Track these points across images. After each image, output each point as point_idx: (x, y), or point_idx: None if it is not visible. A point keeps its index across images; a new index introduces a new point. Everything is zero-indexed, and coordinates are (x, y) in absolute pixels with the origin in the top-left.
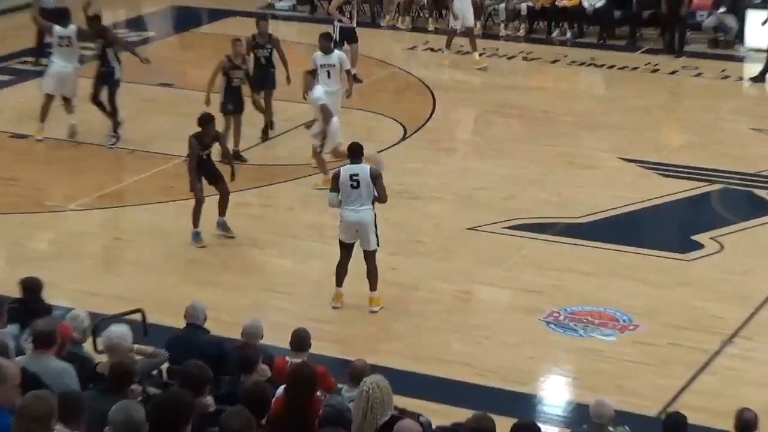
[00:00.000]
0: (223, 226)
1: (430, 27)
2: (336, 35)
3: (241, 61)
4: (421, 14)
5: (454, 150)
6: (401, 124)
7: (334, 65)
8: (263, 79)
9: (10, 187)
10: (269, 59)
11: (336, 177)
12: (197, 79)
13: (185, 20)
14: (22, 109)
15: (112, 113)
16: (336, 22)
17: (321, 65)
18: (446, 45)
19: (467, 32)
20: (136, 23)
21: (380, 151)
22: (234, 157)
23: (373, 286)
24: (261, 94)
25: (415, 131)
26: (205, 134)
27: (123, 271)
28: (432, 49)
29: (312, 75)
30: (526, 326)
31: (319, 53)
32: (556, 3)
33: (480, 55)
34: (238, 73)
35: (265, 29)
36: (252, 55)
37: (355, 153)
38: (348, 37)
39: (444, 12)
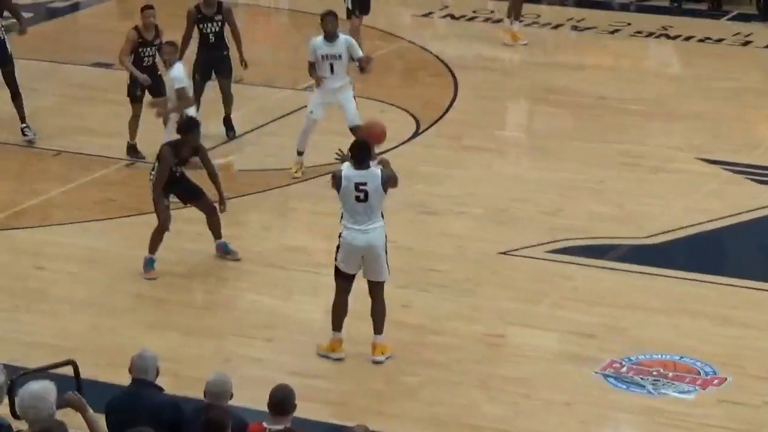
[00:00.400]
0: (224, 248)
1: None
2: (348, 2)
3: (154, 36)
4: None
5: (482, 149)
6: (413, 116)
7: (339, 56)
8: (213, 63)
9: None
10: (220, 36)
11: (337, 179)
12: None
13: None
14: None
15: (17, 96)
16: None
17: (323, 56)
18: (508, 14)
19: None
20: None
21: (383, 153)
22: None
23: (378, 328)
24: (207, 84)
25: (432, 125)
26: (184, 145)
27: (48, 311)
28: (452, 16)
29: (312, 68)
30: (578, 380)
31: (319, 39)
32: None
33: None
34: (150, 51)
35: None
36: (197, 31)
37: (361, 154)
38: (361, 5)
39: None
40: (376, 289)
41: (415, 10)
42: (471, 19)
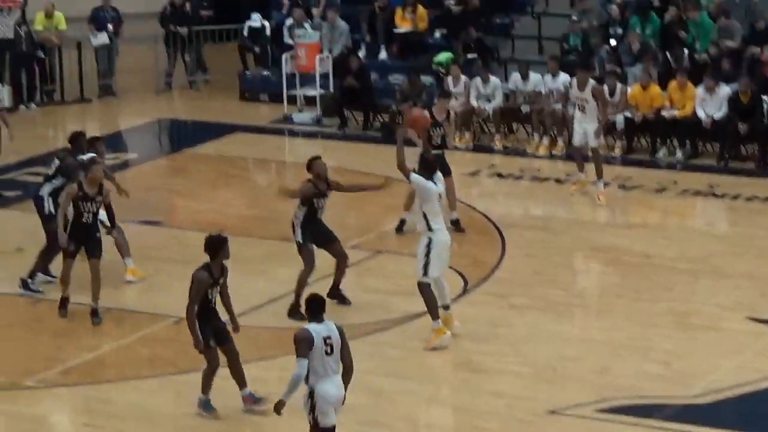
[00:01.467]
0: (252, 398)
1: (498, 145)
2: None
3: (96, 192)
4: (485, 128)
5: (529, 308)
6: (460, 274)
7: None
8: (324, 234)
9: None
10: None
11: (309, 342)
12: (193, 215)
13: (177, 138)
14: None
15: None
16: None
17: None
18: (579, 168)
19: (593, 154)
20: (113, 141)
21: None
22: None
23: None
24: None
25: (479, 283)
26: (215, 264)
27: None
28: (500, 175)
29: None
30: None
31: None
32: (663, 113)
33: (605, 185)
34: (90, 206)
35: (326, 171)
36: (306, 206)
37: (319, 308)
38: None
39: (518, 127)
40: None
41: (463, 169)
42: (518, 177)
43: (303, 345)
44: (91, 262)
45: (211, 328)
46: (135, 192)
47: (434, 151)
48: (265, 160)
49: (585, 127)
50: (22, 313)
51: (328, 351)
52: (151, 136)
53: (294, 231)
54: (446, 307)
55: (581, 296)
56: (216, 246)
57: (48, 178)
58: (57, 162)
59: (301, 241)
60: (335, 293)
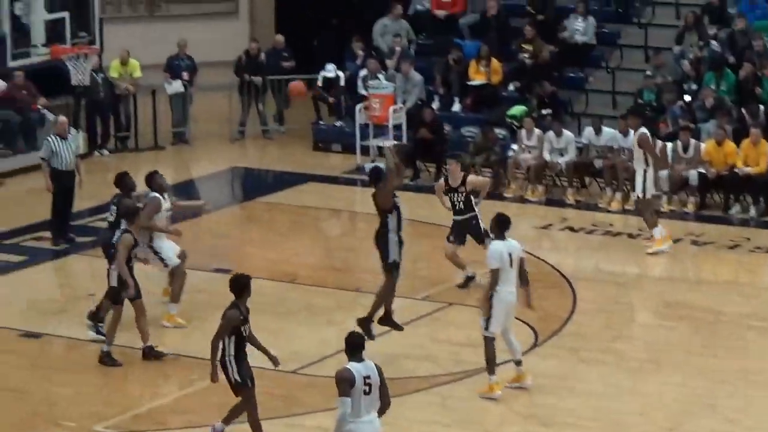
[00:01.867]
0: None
1: (570, 200)
2: (451, 236)
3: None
4: (558, 182)
5: (600, 362)
6: (531, 327)
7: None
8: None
9: (17, 402)
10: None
11: (351, 381)
12: (264, 263)
13: (249, 186)
14: (37, 299)
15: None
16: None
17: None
18: (649, 225)
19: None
20: (186, 189)
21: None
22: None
23: None
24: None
25: (550, 337)
26: (242, 302)
27: None
28: (572, 229)
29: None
30: None
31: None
32: (736, 170)
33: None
34: (136, 251)
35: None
36: (394, 212)
37: (358, 348)
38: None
39: (591, 181)
40: None
41: (535, 222)
42: (590, 232)
43: (345, 384)
44: (137, 303)
45: (249, 369)
46: (207, 240)
47: (456, 217)
48: (338, 210)
49: (638, 179)
50: (93, 358)
51: (367, 391)
52: (223, 184)
53: (387, 250)
54: (518, 363)
55: (651, 351)
56: (242, 285)
57: (113, 226)
58: (114, 208)
59: (398, 260)
60: (389, 321)
